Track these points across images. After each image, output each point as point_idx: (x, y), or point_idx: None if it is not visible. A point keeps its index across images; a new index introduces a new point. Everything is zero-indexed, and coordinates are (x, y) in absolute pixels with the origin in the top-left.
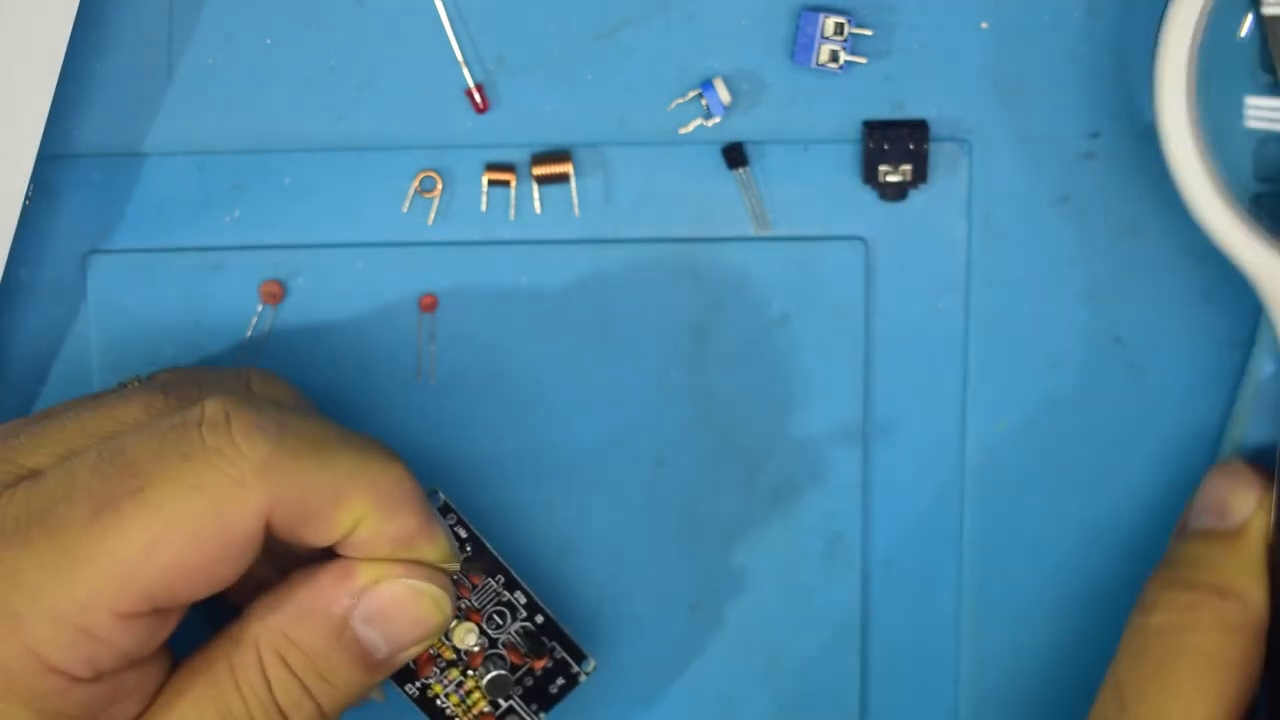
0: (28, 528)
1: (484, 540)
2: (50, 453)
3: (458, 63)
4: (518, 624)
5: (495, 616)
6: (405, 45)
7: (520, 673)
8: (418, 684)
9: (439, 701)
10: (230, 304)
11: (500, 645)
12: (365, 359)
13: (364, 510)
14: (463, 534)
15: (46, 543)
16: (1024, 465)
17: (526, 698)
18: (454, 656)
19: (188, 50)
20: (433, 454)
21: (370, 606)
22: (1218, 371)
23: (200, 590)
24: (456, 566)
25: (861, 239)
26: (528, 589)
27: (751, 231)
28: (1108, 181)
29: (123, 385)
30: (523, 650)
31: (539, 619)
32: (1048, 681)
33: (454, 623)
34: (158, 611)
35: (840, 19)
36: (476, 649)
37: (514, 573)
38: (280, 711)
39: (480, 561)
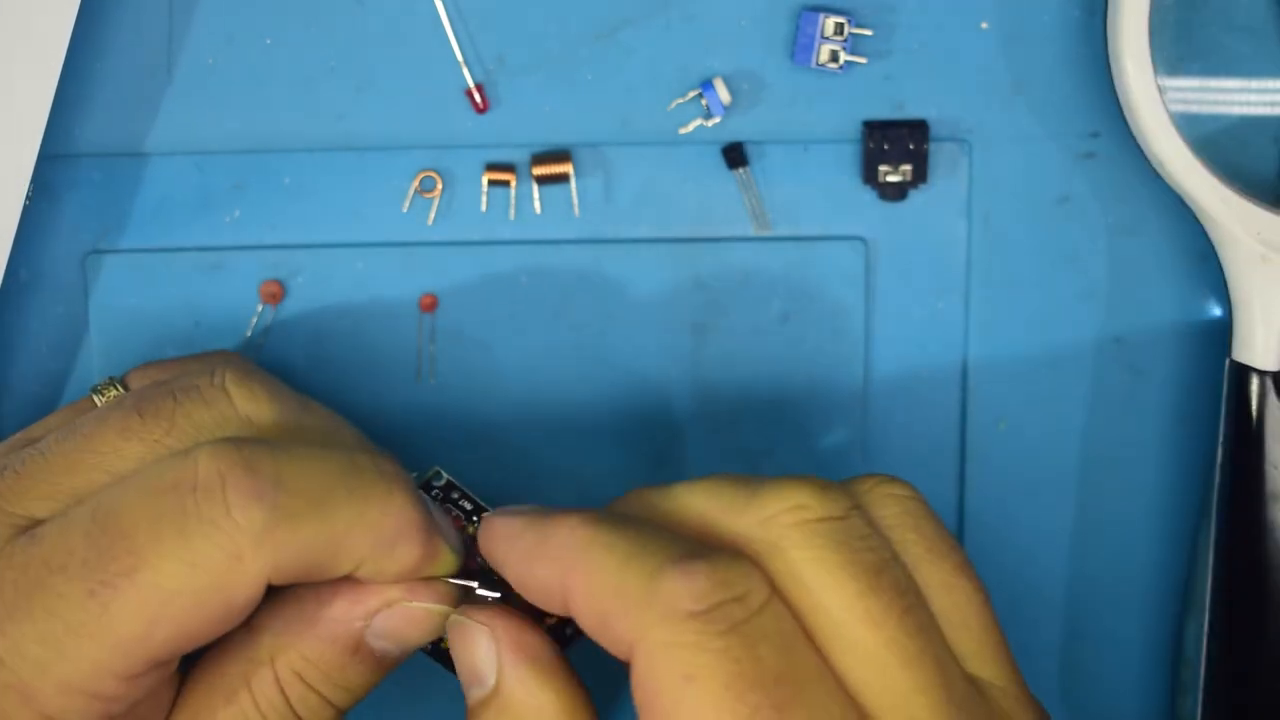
0: (28, 598)
1: (486, 508)
2: (41, 496)
3: (458, 63)
4: None
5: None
6: (405, 45)
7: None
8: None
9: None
10: (230, 304)
11: (514, 600)
12: (365, 359)
13: (366, 554)
14: (468, 507)
15: (46, 617)
16: (1024, 465)
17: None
18: None
19: (188, 50)
20: (433, 454)
21: (383, 625)
22: (1217, 371)
23: (205, 641)
24: (457, 569)
25: (861, 239)
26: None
27: (751, 231)
28: (1108, 181)
29: (95, 390)
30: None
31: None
32: (1047, 682)
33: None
34: (167, 664)
35: (840, 19)
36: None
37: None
38: (299, 718)
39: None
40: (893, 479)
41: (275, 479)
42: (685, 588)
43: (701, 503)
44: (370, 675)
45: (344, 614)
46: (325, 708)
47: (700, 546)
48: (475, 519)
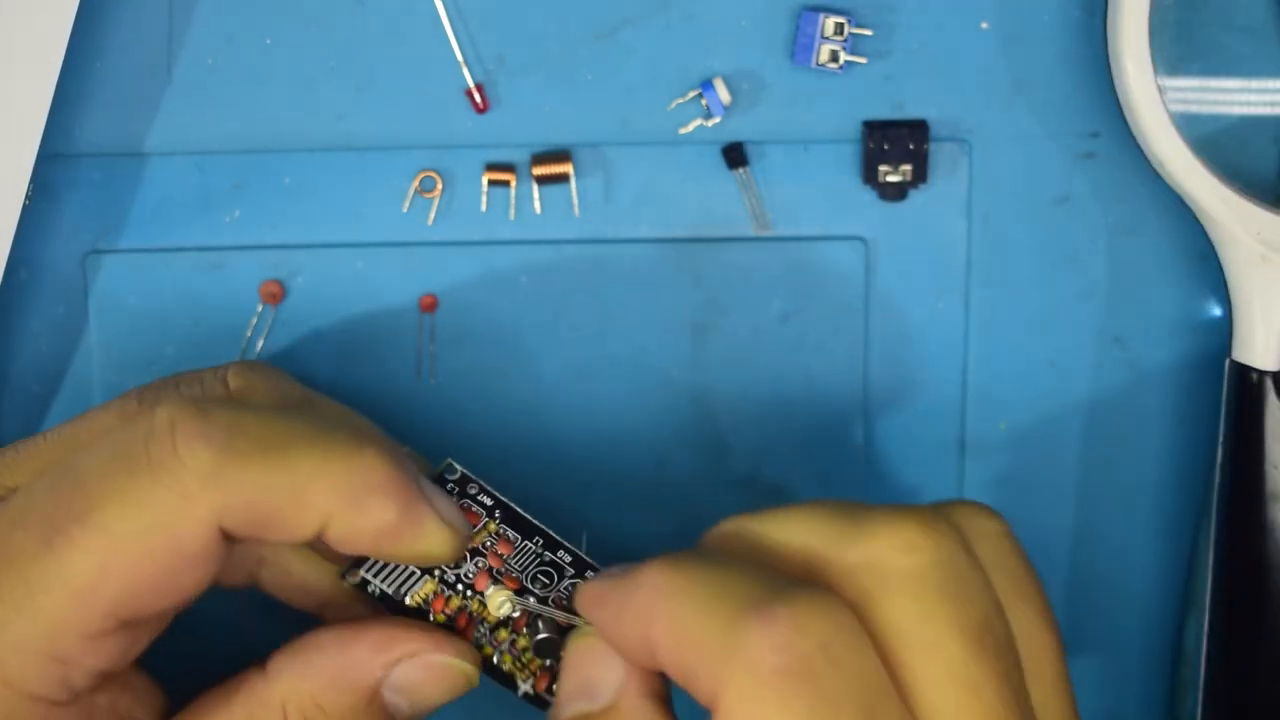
0: None
1: (514, 506)
2: (29, 470)
3: (458, 63)
4: (565, 581)
5: (541, 577)
6: (405, 45)
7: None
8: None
9: (495, 660)
10: (230, 304)
11: (551, 602)
12: (365, 359)
13: (331, 507)
14: (488, 502)
15: (5, 571)
16: (1024, 465)
17: None
18: (496, 620)
19: (188, 50)
20: (432, 454)
21: (402, 678)
22: (1216, 371)
23: (167, 601)
24: (471, 532)
25: (861, 239)
26: (571, 547)
27: (751, 231)
28: (1108, 181)
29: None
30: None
31: (588, 574)
32: None
33: (490, 590)
34: (127, 626)
35: (840, 19)
36: (517, 614)
37: (552, 533)
38: None
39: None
40: (987, 511)
41: (229, 426)
42: (765, 639)
43: (803, 534)
44: None
45: (365, 660)
46: None
47: (783, 585)
48: (496, 514)
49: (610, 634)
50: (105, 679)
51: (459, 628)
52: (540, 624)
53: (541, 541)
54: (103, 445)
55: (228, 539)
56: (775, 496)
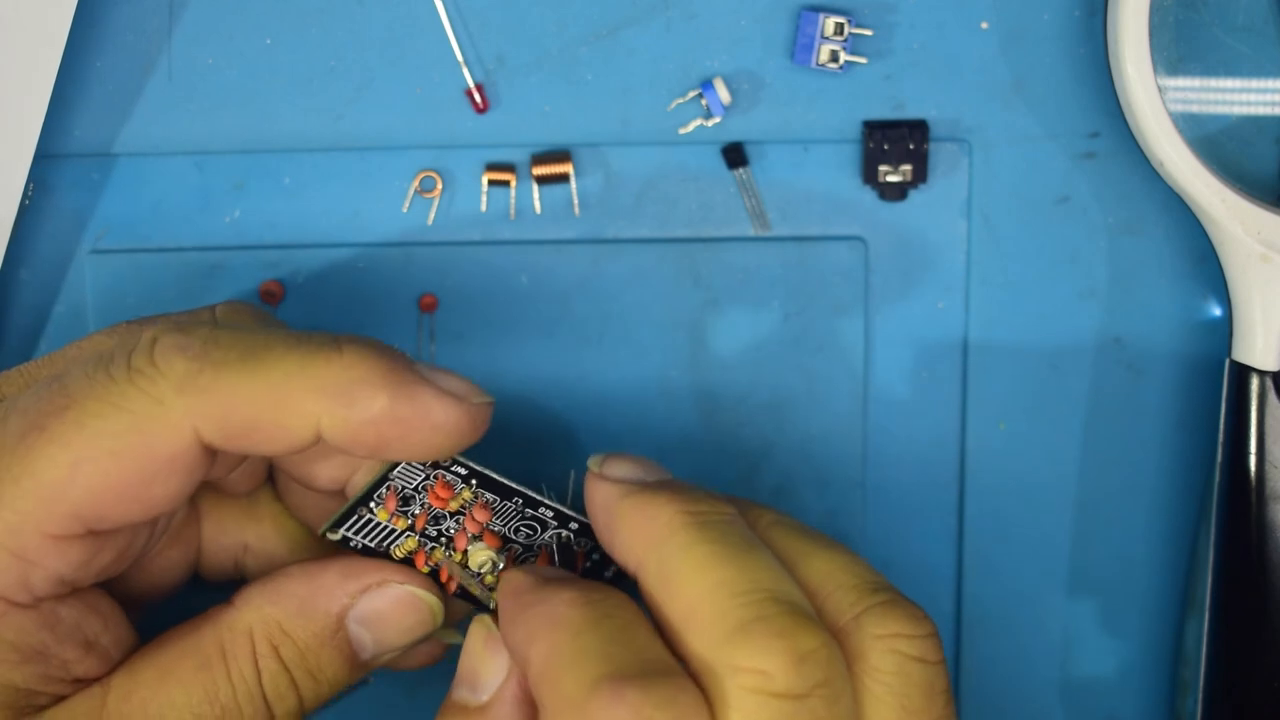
0: None
1: (490, 473)
2: (21, 385)
3: (458, 63)
4: (549, 533)
5: (524, 529)
6: (405, 45)
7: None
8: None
9: (477, 593)
10: None
11: (535, 548)
12: None
13: (317, 407)
14: (462, 471)
15: None
16: (1024, 465)
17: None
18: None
19: (188, 50)
20: None
21: (368, 608)
22: (1216, 371)
23: (132, 512)
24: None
25: (861, 239)
26: (551, 503)
27: (751, 231)
28: (1108, 181)
29: None
30: (556, 560)
31: (571, 525)
32: (1047, 681)
33: (471, 547)
34: (91, 535)
35: (840, 19)
36: (502, 567)
37: (530, 492)
38: (265, 702)
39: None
40: (908, 618)
41: (206, 337)
42: (607, 714)
43: (703, 602)
44: (341, 668)
45: (332, 586)
46: (291, 693)
47: (656, 668)
48: (472, 481)
49: (504, 628)
50: (70, 592)
51: (442, 581)
52: (530, 559)
53: (521, 501)
54: (87, 358)
55: (207, 453)
56: (775, 497)
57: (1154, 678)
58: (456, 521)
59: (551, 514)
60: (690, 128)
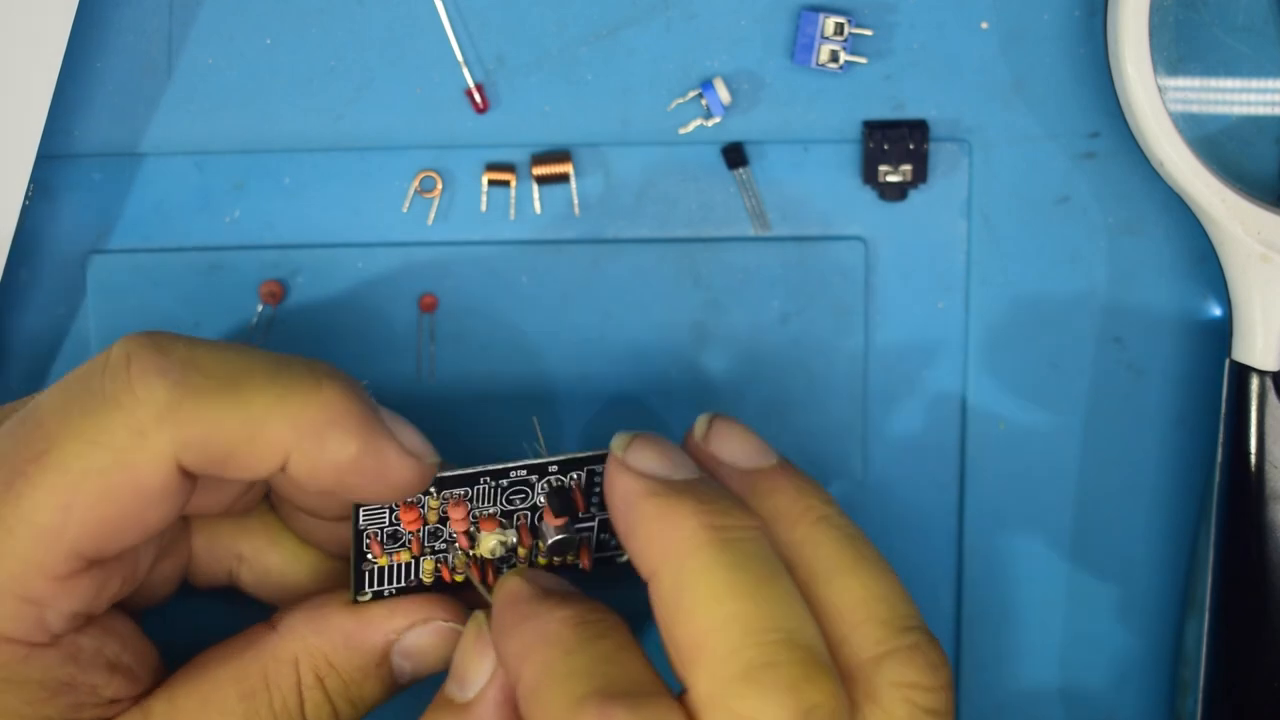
0: None
1: (441, 473)
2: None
3: (458, 63)
4: (537, 491)
5: (514, 497)
6: (405, 45)
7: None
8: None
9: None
10: (230, 304)
11: (538, 518)
12: (365, 359)
13: (290, 442)
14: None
15: None
16: (1024, 465)
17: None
18: (501, 556)
19: (188, 50)
20: None
21: (412, 642)
22: (1216, 371)
23: (132, 538)
24: (439, 459)
25: (861, 239)
26: (517, 463)
27: (751, 231)
28: (1108, 181)
29: None
30: (555, 510)
31: (551, 469)
32: (1047, 681)
33: (480, 538)
34: (96, 566)
35: (840, 19)
36: (515, 539)
37: (488, 466)
38: None
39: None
40: (929, 668)
41: (185, 360)
42: None
43: (704, 628)
44: (381, 694)
45: (379, 623)
46: (332, 718)
47: (642, 690)
48: (430, 490)
49: (497, 638)
50: (85, 621)
51: (484, 579)
52: (544, 530)
53: (488, 477)
54: (61, 384)
55: (188, 477)
56: None
57: (1154, 678)
58: (447, 526)
59: (525, 471)
60: (690, 128)
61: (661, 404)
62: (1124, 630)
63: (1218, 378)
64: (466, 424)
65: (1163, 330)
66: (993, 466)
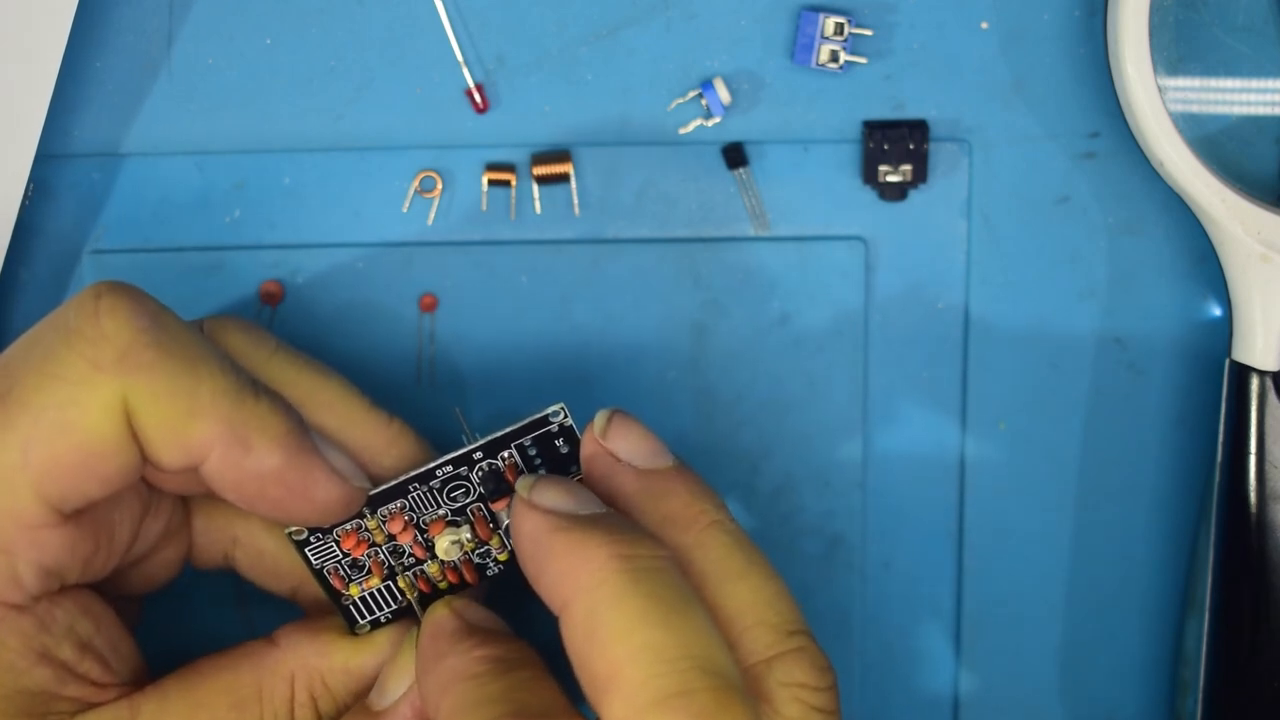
0: None
1: (369, 492)
2: None
3: (458, 63)
4: (474, 479)
5: (454, 495)
6: (405, 45)
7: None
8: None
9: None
10: (230, 304)
11: (489, 495)
12: (365, 359)
13: (215, 436)
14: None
15: None
16: (1024, 465)
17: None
18: (460, 557)
19: (188, 50)
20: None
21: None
22: (1216, 371)
23: (91, 488)
24: (368, 485)
25: (861, 239)
26: (440, 459)
27: (751, 231)
28: (1108, 181)
29: None
30: (490, 494)
31: (478, 455)
32: (1047, 682)
33: (435, 542)
34: (64, 520)
35: (840, 19)
36: (468, 537)
37: (416, 471)
38: None
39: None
40: (815, 669)
41: (155, 315)
42: None
43: (619, 651)
44: (367, 718)
45: (380, 653)
46: None
47: (548, 709)
48: (365, 511)
49: (419, 671)
50: (59, 587)
51: (467, 581)
52: (498, 515)
53: (418, 484)
54: (32, 329)
55: (134, 437)
56: (775, 497)
57: (1154, 678)
58: (406, 547)
59: (451, 466)
60: (690, 128)
61: (661, 404)
62: (1124, 630)
63: (1218, 378)
64: (466, 424)
65: (1163, 330)
66: (993, 466)
